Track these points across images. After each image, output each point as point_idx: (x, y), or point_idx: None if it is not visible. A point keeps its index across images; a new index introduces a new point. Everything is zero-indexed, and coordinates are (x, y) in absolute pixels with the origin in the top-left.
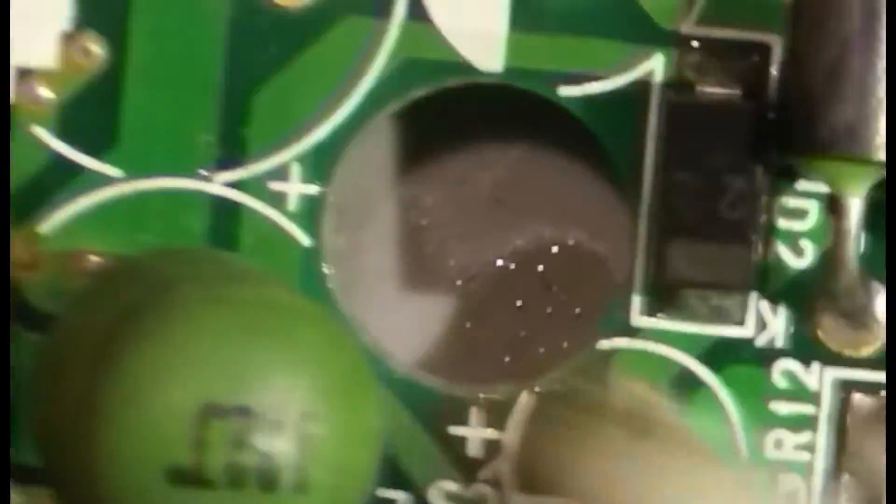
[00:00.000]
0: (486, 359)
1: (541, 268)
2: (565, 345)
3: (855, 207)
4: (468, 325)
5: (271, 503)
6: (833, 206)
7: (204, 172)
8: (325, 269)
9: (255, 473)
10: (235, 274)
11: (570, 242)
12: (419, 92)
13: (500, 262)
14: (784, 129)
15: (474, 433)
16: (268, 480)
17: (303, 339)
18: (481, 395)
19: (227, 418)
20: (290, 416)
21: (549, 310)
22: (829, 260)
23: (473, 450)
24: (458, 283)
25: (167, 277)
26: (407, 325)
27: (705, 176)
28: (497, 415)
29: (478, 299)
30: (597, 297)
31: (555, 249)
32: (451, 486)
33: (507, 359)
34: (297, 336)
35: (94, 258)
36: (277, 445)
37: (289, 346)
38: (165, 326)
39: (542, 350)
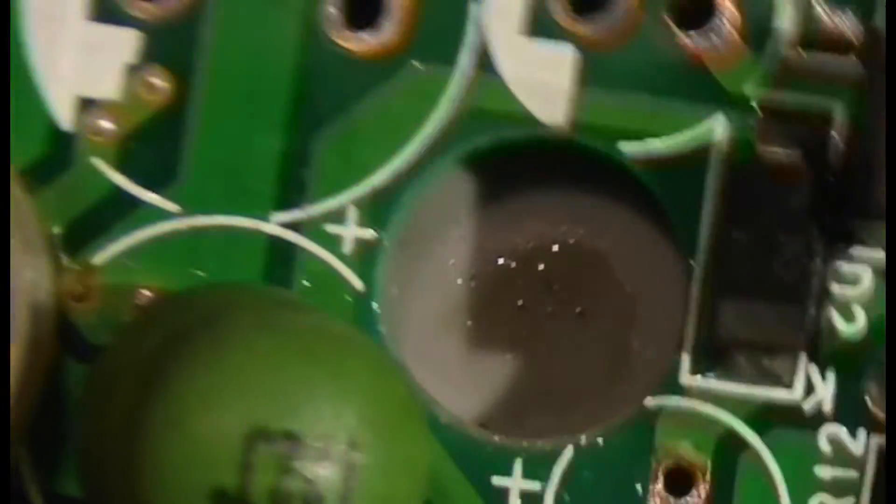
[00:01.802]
0: (535, 413)
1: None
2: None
3: None
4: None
5: None
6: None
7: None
8: (377, 310)
9: (299, 500)
10: (288, 303)
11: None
12: (482, 141)
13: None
14: (843, 193)
15: (516, 484)
16: None
17: (353, 369)
18: (525, 445)
19: (274, 443)
20: (337, 445)
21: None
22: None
23: (514, 501)
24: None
25: (219, 305)
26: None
27: (761, 236)
28: (540, 467)
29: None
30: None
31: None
32: None
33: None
34: (347, 365)
35: (146, 293)
36: (322, 473)
37: (339, 375)
38: (216, 350)
39: (589, 405)
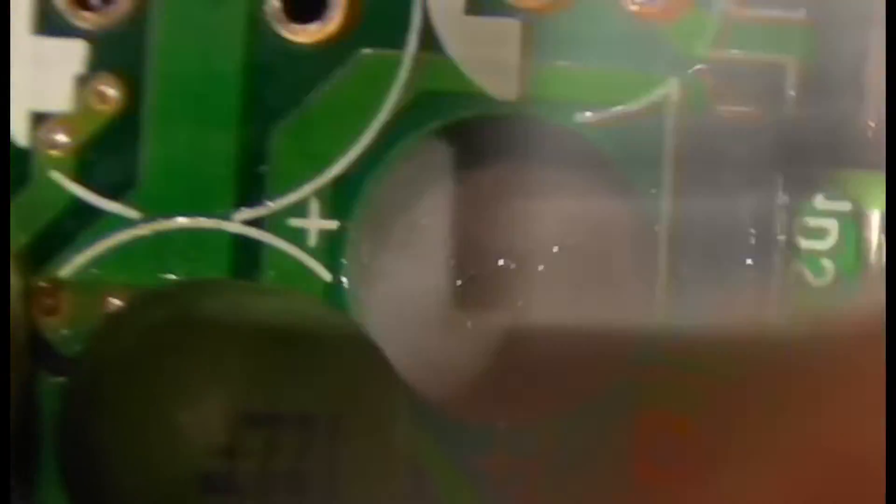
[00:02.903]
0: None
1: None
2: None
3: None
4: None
5: None
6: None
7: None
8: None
9: (285, 479)
10: (259, 288)
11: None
12: (436, 124)
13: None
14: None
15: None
16: (298, 486)
17: (332, 347)
18: (503, 427)
19: (258, 426)
20: (319, 423)
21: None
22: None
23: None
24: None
25: (191, 297)
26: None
27: (724, 193)
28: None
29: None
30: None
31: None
32: None
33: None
34: (326, 344)
35: (115, 301)
36: (307, 450)
37: (317, 353)
38: (191, 340)
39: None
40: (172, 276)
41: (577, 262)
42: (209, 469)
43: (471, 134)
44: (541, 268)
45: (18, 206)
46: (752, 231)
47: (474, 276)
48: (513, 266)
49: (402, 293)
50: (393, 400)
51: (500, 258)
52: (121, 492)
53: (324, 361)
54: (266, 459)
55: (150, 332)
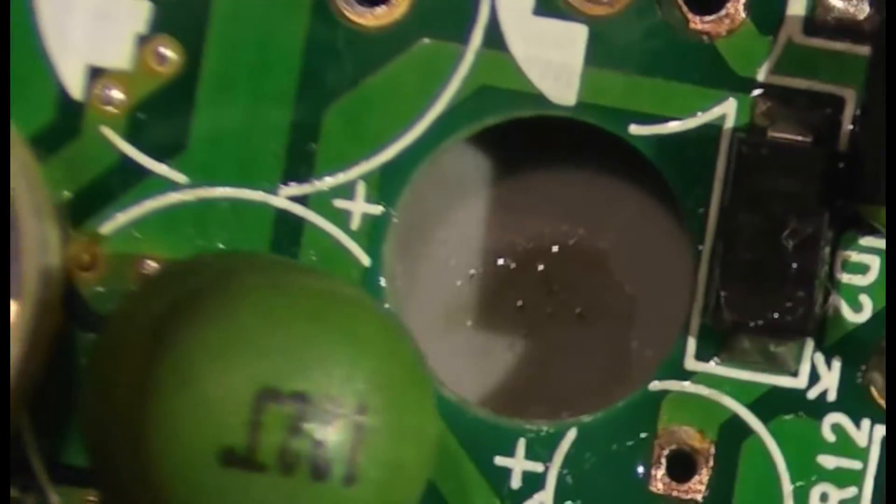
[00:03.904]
0: (537, 393)
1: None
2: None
3: None
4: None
5: (320, 493)
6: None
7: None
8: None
9: (306, 461)
10: (299, 267)
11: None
12: (492, 120)
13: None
14: (854, 179)
15: (519, 464)
16: (319, 469)
17: (364, 332)
18: (529, 426)
19: (284, 403)
20: (346, 407)
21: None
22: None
23: (517, 481)
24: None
25: (229, 267)
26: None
27: (769, 220)
28: (543, 448)
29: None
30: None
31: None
32: None
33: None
34: (359, 328)
35: (152, 263)
36: (331, 434)
37: (350, 338)
38: (227, 309)
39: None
40: (211, 245)
41: (581, 261)
42: (230, 442)
43: (523, 136)
44: (541, 267)
45: (66, 158)
46: (795, 262)
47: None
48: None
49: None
50: (420, 389)
51: (500, 257)
52: (141, 462)
53: (355, 346)
54: (289, 438)
55: (180, 301)
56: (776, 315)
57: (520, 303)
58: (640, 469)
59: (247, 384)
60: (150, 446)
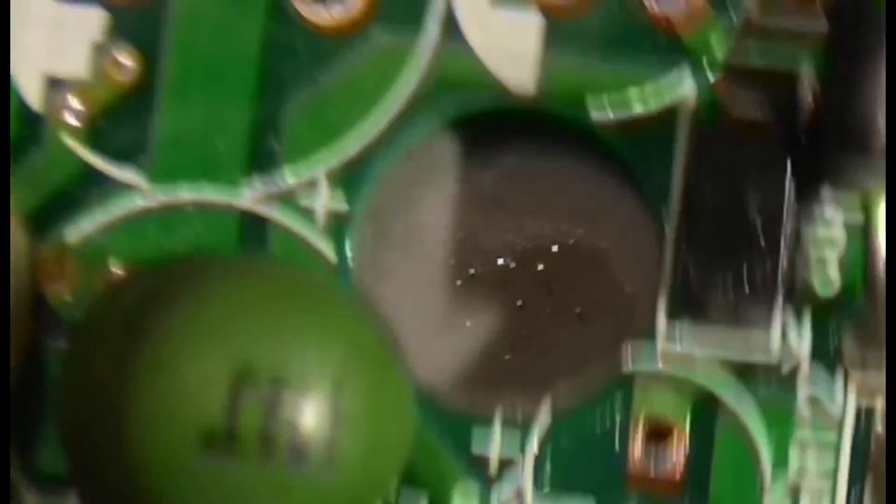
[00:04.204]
0: (511, 381)
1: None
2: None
3: (884, 231)
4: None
5: (299, 477)
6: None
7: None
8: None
9: (285, 444)
10: (267, 259)
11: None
12: (452, 113)
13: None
14: (815, 156)
15: (495, 452)
16: (297, 452)
17: (336, 316)
18: (502, 413)
19: (260, 387)
20: (322, 389)
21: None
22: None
23: (493, 469)
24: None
25: (199, 261)
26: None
27: (735, 195)
28: (519, 435)
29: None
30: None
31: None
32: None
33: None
34: (330, 312)
35: (120, 271)
36: (308, 417)
37: (322, 321)
38: (198, 296)
39: (563, 374)
40: (178, 248)
41: (581, 261)
42: (210, 427)
43: (483, 128)
44: (540, 267)
45: (28, 168)
46: (761, 237)
47: (473, 274)
48: (512, 265)
49: (403, 291)
50: (394, 369)
51: (500, 257)
52: (120, 450)
53: (327, 328)
54: (267, 419)
55: (154, 290)
56: (745, 290)
57: (519, 303)
58: (617, 449)
59: (222, 369)
60: (131, 436)
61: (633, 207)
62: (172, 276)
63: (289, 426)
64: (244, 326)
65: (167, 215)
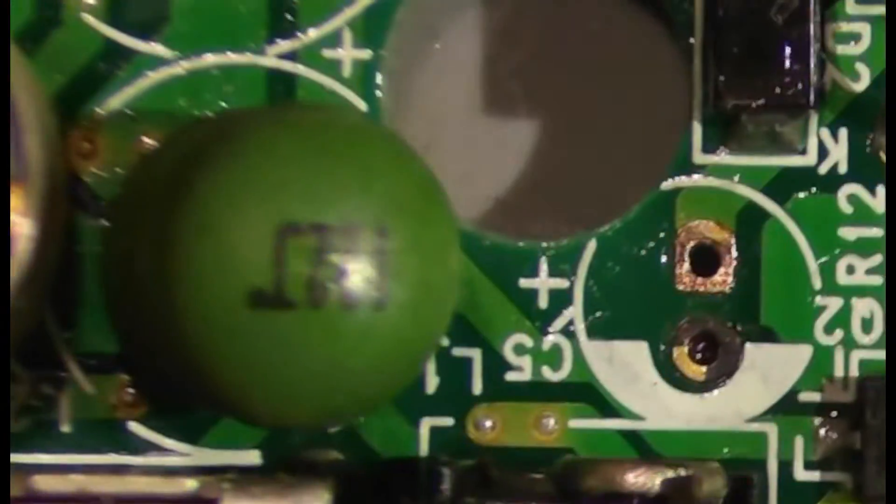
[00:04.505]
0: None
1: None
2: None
3: None
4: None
5: (352, 320)
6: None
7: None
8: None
9: (334, 290)
10: (300, 104)
11: None
12: None
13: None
14: None
15: (544, 283)
16: (347, 297)
17: (373, 156)
18: (548, 244)
19: (304, 236)
20: (366, 232)
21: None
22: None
23: (543, 300)
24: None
25: (232, 117)
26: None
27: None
28: (565, 263)
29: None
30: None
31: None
32: (526, 339)
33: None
34: (367, 153)
35: (150, 141)
36: (355, 261)
37: (359, 163)
38: (234, 152)
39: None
40: (208, 112)
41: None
42: (257, 283)
43: None
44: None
45: (50, 50)
46: (787, 37)
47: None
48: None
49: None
50: (437, 206)
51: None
52: (168, 315)
53: (366, 171)
54: (315, 270)
55: (191, 150)
56: (776, 92)
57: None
58: (664, 269)
59: (265, 222)
60: (179, 300)
61: (657, 23)
62: (205, 137)
63: (336, 270)
64: (282, 177)
65: (194, 82)
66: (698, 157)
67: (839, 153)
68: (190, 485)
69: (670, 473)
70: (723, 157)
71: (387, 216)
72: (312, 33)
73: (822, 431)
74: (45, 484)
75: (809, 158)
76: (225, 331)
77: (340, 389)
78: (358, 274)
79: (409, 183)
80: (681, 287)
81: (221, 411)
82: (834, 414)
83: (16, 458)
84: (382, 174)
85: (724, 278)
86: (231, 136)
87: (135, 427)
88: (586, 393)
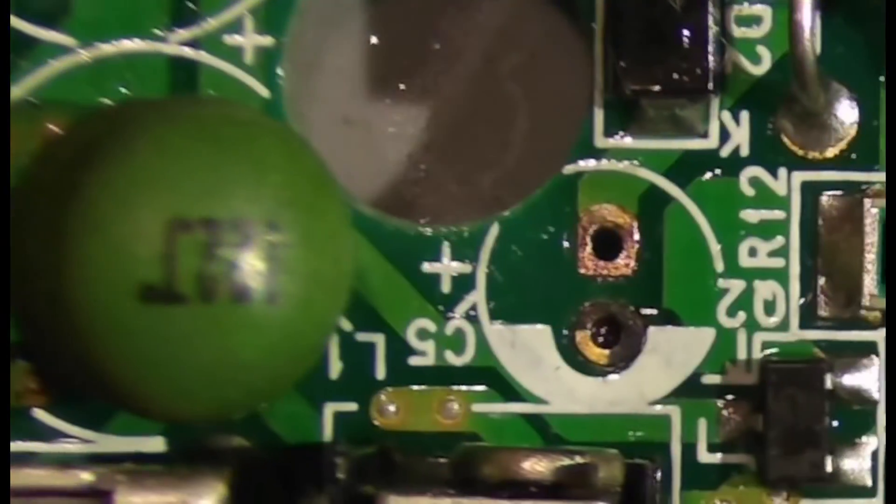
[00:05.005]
0: (442, 192)
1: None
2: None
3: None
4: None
5: (244, 314)
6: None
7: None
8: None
9: (225, 284)
10: (196, 99)
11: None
12: None
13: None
14: None
15: (447, 268)
16: (239, 291)
17: (264, 151)
18: (451, 229)
19: (195, 231)
20: (256, 226)
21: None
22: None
23: (446, 285)
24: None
25: (126, 111)
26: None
27: None
28: (468, 248)
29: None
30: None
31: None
32: (429, 324)
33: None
34: (257, 148)
35: (55, 129)
36: (245, 255)
37: (250, 158)
38: (125, 149)
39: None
40: (109, 101)
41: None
42: (148, 278)
43: None
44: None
45: None
46: (685, 22)
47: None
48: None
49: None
50: (328, 200)
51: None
52: (60, 309)
53: (257, 166)
54: (205, 264)
55: (84, 145)
56: (675, 76)
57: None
58: (567, 254)
59: (155, 218)
60: (71, 294)
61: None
62: (98, 131)
63: (227, 264)
64: (170, 173)
65: (97, 70)
66: (600, 142)
67: (741, 136)
68: (85, 477)
69: (567, 461)
70: (624, 141)
71: (278, 210)
72: (214, 21)
73: (725, 414)
74: None
75: (711, 142)
76: (117, 326)
77: (233, 383)
78: (249, 268)
79: (301, 177)
80: (583, 271)
81: (116, 405)
82: (736, 397)
83: None
84: (273, 169)
85: (626, 262)
86: (122, 132)
87: (39, 414)
88: (489, 377)
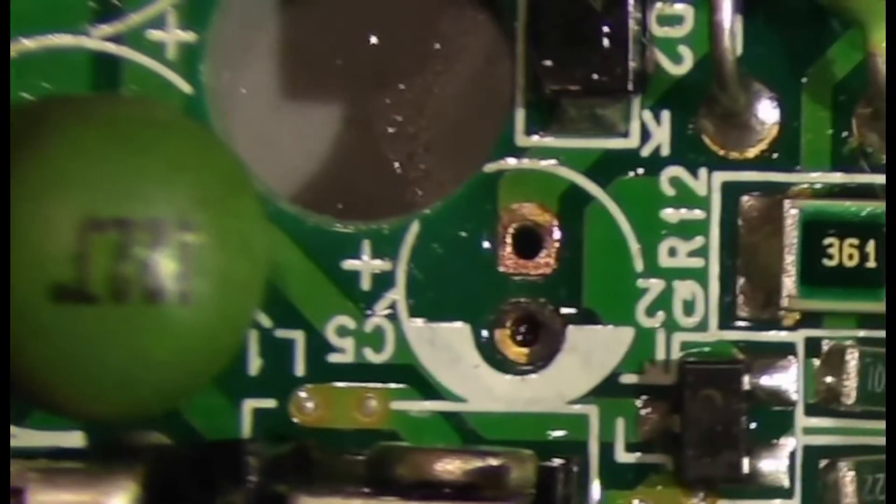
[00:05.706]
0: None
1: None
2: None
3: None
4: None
5: (156, 315)
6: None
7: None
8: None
9: (137, 285)
10: (113, 98)
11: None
12: None
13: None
14: None
15: (367, 266)
16: (151, 291)
17: (178, 151)
18: (370, 227)
19: (107, 231)
20: (169, 227)
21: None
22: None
23: (366, 282)
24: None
25: (41, 110)
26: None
27: None
28: (388, 245)
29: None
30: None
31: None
32: (348, 321)
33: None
34: (171, 148)
35: None
36: (158, 255)
37: (163, 158)
38: (38, 149)
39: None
40: (34, 96)
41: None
42: (59, 277)
43: None
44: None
45: None
46: (605, 21)
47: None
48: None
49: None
50: (243, 201)
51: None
52: None
53: (171, 165)
54: (118, 265)
55: None
56: (595, 77)
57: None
58: (487, 252)
59: (66, 218)
60: None
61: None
62: (14, 128)
63: (139, 264)
64: (83, 173)
65: (19, 64)
66: (521, 140)
67: (662, 136)
68: None
69: (480, 462)
70: (545, 140)
71: (191, 210)
72: (137, 16)
73: (643, 414)
74: None
75: (632, 141)
76: (28, 325)
77: (146, 383)
78: (162, 268)
79: (215, 177)
80: (503, 269)
81: (31, 403)
82: (654, 397)
83: None
84: (187, 168)
85: (546, 260)
86: (34, 130)
87: None
88: (408, 375)
